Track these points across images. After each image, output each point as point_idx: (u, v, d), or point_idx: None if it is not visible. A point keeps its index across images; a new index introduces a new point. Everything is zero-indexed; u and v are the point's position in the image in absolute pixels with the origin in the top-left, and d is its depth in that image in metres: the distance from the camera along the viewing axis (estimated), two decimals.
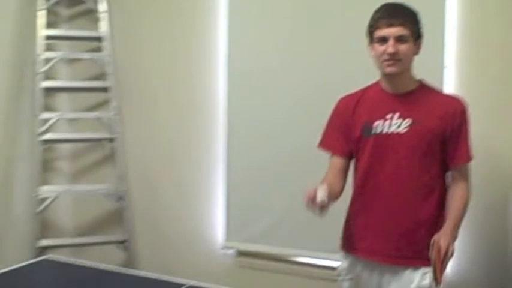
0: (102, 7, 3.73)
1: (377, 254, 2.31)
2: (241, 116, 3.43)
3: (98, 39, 3.75)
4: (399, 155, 2.26)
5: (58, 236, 3.82)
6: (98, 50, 3.77)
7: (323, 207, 2.12)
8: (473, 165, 2.36)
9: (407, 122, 2.25)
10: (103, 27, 3.73)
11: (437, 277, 2.11)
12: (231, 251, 3.54)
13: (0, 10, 3.53)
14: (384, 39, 2.20)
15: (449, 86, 2.92)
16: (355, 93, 2.40)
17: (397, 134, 2.25)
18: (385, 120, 2.27)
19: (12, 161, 3.66)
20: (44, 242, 3.55)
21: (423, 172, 2.26)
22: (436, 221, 2.27)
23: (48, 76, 3.65)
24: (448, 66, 2.93)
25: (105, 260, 3.06)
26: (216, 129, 3.53)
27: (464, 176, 2.30)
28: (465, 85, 2.91)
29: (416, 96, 2.28)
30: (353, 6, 3.10)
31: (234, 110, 3.45)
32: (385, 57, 2.21)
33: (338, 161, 2.39)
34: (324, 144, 2.44)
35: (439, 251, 2.12)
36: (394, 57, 2.19)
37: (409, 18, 2.22)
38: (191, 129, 3.63)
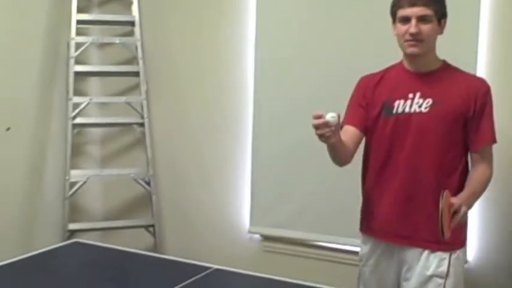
0: None
1: (395, 235, 2.30)
2: (268, 104, 3.44)
3: (129, 23, 3.78)
4: (420, 135, 2.23)
5: (87, 219, 3.88)
6: (129, 34, 3.81)
7: (332, 130, 2.04)
8: (498, 155, 2.32)
9: (428, 101, 2.22)
10: (134, 11, 3.75)
11: (443, 230, 2.05)
12: (256, 236, 3.56)
13: None
14: (406, 19, 2.17)
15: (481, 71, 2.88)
16: (378, 72, 2.39)
17: (419, 113, 2.23)
18: (407, 99, 2.25)
19: (44, 144, 3.71)
20: (73, 226, 3.60)
21: (444, 153, 2.23)
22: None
23: (79, 60, 3.69)
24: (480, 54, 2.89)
25: (133, 244, 3.10)
26: (243, 116, 3.54)
27: (486, 158, 2.27)
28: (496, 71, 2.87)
29: (438, 76, 2.25)
30: None
31: (261, 96, 3.46)
32: (407, 37, 2.18)
33: (352, 130, 2.35)
34: (346, 121, 2.38)
35: (449, 205, 2.08)
36: (416, 38, 2.16)
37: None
38: (218, 115, 3.65)
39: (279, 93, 3.40)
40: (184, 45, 3.73)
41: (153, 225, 3.73)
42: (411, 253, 2.28)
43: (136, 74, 3.75)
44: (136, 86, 3.79)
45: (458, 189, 2.23)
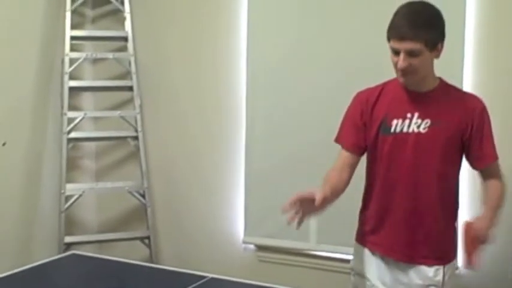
0: (126, 8, 3.81)
1: (392, 250, 2.30)
2: (261, 114, 3.50)
3: (122, 39, 3.84)
4: (418, 155, 2.22)
5: (83, 232, 3.90)
6: (122, 50, 3.86)
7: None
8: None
9: (426, 122, 2.20)
10: (126, 27, 3.82)
11: (469, 259, 2.10)
12: (250, 246, 3.61)
13: (29, 11, 3.62)
14: (396, 51, 2.12)
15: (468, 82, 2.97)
16: (375, 88, 2.34)
17: (418, 133, 2.21)
18: (405, 119, 2.22)
19: (39, 158, 3.74)
20: (70, 239, 3.63)
21: (442, 173, 2.23)
22: (453, 221, 2.31)
23: (73, 76, 3.74)
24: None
25: (129, 256, 3.11)
26: (236, 128, 3.60)
27: (495, 174, 2.28)
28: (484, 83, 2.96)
29: (435, 96, 2.23)
30: (374, 2, 3.16)
31: (254, 108, 3.52)
32: (398, 68, 2.15)
33: (348, 156, 2.33)
34: (340, 138, 2.38)
35: (473, 236, 2.11)
36: (405, 71, 2.13)
37: (424, 29, 2.08)
38: (212, 128, 3.70)
39: (272, 105, 3.46)
40: (177, 60, 3.79)
41: (148, 237, 3.76)
42: (407, 267, 2.30)
43: (130, 88, 3.80)
44: (130, 100, 3.85)
45: (455, 206, 2.30)
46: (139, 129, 3.78)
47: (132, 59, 3.80)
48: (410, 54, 2.08)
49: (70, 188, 3.67)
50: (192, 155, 3.77)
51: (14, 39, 3.51)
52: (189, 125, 3.77)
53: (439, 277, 2.25)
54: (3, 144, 3.46)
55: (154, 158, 3.87)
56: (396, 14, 2.14)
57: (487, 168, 2.28)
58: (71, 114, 3.69)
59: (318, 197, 2.07)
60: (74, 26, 3.76)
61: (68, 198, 3.65)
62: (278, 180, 3.41)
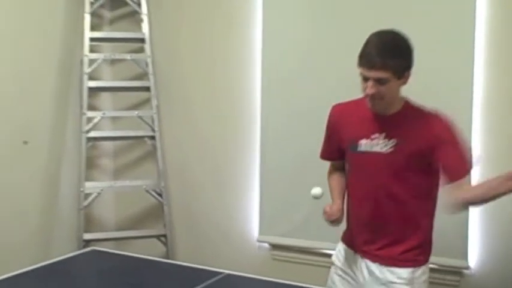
0: (143, 10, 3.89)
1: (365, 252, 2.38)
2: (275, 114, 3.54)
3: (139, 40, 3.91)
4: (378, 174, 2.30)
5: (101, 230, 3.98)
6: (139, 51, 3.94)
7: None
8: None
9: (392, 142, 2.27)
10: (144, 29, 3.90)
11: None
12: (265, 245, 3.66)
13: (50, 14, 3.70)
14: (365, 78, 2.19)
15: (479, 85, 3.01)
16: (349, 103, 2.45)
17: (379, 153, 2.28)
18: (371, 139, 2.30)
19: (59, 157, 3.82)
20: (88, 236, 3.70)
21: (396, 192, 2.29)
22: (419, 230, 2.35)
23: (92, 77, 3.82)
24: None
25: (145, 253, 3.18)
26: (251, 127, 3.65)
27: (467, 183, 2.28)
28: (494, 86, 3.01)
29: (401, 117, 2.28)
30: (387, 6, 3.21)
31: (268, 107, 3.57)
32: (366, 94, 2.22)
33: (331, 163, 2.58)
34: (323, 156, 2.59)
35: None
36: (373, 96, 2.20)
37: (392, 59, 2.15)
38: (227, 127, 3.76)
39: (286, 103, 3.50)
40: (193, 61, 3.86)
41: (165, 235, 3.83)
42: (378, 267, 2.36)
43: (147, 88, 3.88)
44: (147, 101, 3.93)
45: (419, 223, 2.34)
46: (156, 128, 3.85)
47: (149, 60, 3.87)
48: (379, 81, 2.16)
49: (89, 186, 3.76)
50: (208, 154, 3.84)
51: (35, 41, 3.60)
52: (205, 125, 3.84)
53: (408, 275, 2.31)
54: (25, 143, 3.54)
55: (171, 157, 3.93)
56: (367, 43, 2.21)
57: (460, 180, 2.25)
58: (90, 114, 3.78)
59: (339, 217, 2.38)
60: (92, 28, 3.84)
61: (87, 196, 3.73)
62: (292, 179, 3.46)
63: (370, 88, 2.17)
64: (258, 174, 3.62)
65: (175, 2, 3.90)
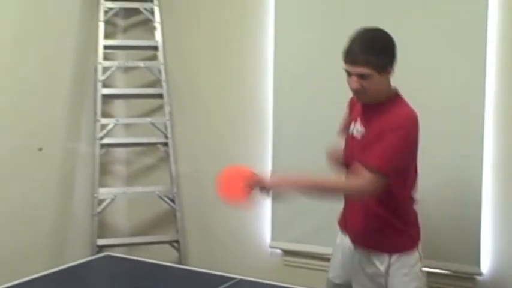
0: (156, 18, 3.93)
1: (349, 234, 2.54)
2: (288, 121, 3.57)
3: (152, 48, 3.96)
4: (354, 158, 2.41)
5: (114, 235, 4.01)
6: (152, 58, 3.98)
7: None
8: None
9: (362, 129, 2.40)
10: (157, 37, 3.94)
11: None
12: (277, 251, 3.68)
13: (64, 23, 3.76)
14: (349, 73, 2.31)
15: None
16: None
17: (356, 138, 2.43)
18: (355, 123, 2.46)
19: (73, 163, 3.87)
20: (102, 241, 3.74)
21: None
22: (387, 221, 2.42)
23: (106, 84, 3.86)
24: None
25: (158, 259, 3.18)
26: (263, 134, 3.68)
27: (363, 175, 2.29)
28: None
29: (379, 109, 2.36)
30: (399, 6, 3.23)
31: (280, 114, 3.60)
32: (350, 88, 2.35)
33: None
34: (339, 132, 2.67)
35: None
36: (357, 91, 2.32)
37: (374, 55, 2.26)
38: (239, 133, 3.79)
39: (298, 110, 3.52)
40: (205, 68, 3.89)
41: (177, 241, 3.86)
42: (360, 254, 2.48)
43: (160, 96, 3.92)
44: (160, 108, 3.97)
45: (387, 209, 2.40)
46: (169, 135, 3.89)
47: (162, 67, 3.91)
48: (361, 77, 2.28)
49: (102, 192, 3.79)
50: (220, 161, 3.84)
51: (50, 49, 3.65)
52: (217, 132, 3.87)
53: (383, 267, 2.40)
54: (40, 150, 3.59)
55: (183, 164, 3.96)
56: (351, 40, 2.32)
57: (363, 166, 2.30)
58: (103, 120, 3.81)
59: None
60: (106, 36, 3.89)
61: (100, 202, 3.77)
62: None
63: (354, 83, 2.30)
64: None
65: (187, 10, 3.94)
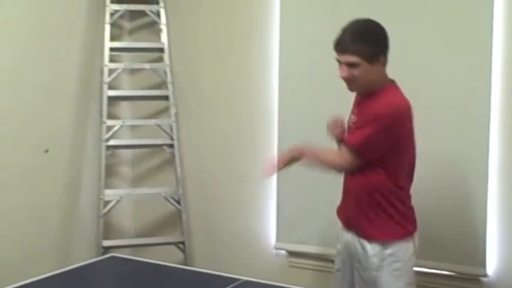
0: (162, 20, 3.95)
1: (343, 221, 2.66)
2: (293, 122, 3.57)
3: (158, 50, 3.97)
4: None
5: (120, 236, 4.03)
6: (158, 60, 4.00)
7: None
8: None
9: (353, 118, 2.53)
10: (163, 39, 3.95)
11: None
12: (282, 252, 3.68)
13: (71, 25, 3.78)
14: (339, 61, 2.41)
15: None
16: None
17: (350, 127, 2.56)
18: (351, 114, 2.57)
19: (79, 165, 3.89)
20: (108, 243, 3.75)
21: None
22: (372, 207, 2.48)
23: (112, 86, 3.88)
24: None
25: (163, 260, 3.19)
26: (269, 136, 3.68)
27: (342, 152, 2.48)
28: None
29: (370, 99, 2.45)
30: (405, 6, 3.23)
31: (286, 116, 3.61)
32: (340, 76, 2.43)
33: None
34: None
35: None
36: (347, 79, 2.41)
37: (363, 44, 2.35)
38: (245, 135, 3.80)
39: (304, 111, 3.52)
40: (211, 70, 3.91)
41: (183, 242, 3.87)
42: (354, 241, 2.55)
43: (165, 97, 3.94)
44: (166, 109, 3.98)
45: (372, 196, 2.47)
46: (174, 137, 3.90)
47: (168, 69, 3.93)
48: (350, 65, 2.37)
49: (108, 193, 3.81)
50: (226, 162, 3.88)
51: (56, 51, 3.67)
52: (223, 133, 3.88)
53: (376, 259, 2.45)
54: (46, 151, 3.61)
55: (189, 165, 3.98)
56: (342, 29, 2.41)
57: (345, 145, 2.48)
58: (109, 122, 3.83)
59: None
60: (112, 38, 3.91)
61: (106, 203, 3.78)
62: (310, 187, 3.47)
63: (343, 72, 2.39)
64: (275, 181, 3.64)
65: (193, 12, 3.96)
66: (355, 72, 2.37)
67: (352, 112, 2.58)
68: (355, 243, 2.55)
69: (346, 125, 2.62)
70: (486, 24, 3.03)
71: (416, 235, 2.54)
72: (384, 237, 2.46)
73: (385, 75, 2.46)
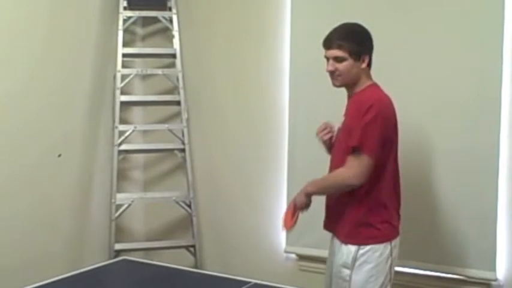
0: (174, 26, 3.99)
1: (326, 223, 2.75)
2: (303, 127, 3.57)
3: (170, 56, 4.02)
4: (335, 148, 2.66)
5: (131, 240, 4.07)
6: (170, 66, 4.04)
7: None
8: None
9: (343, 119, 2.60)
10: (175, 45, 3.99)
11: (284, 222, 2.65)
12: (292, 256, 3.70)
13: (85, 31, 3.83)
14: (327, 58, 2.56)
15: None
16: None
17: (339, 129, 2.63)
18: (343, 116, 2.63)
19: (91, 169, 3.93)
20: (119, 246, 3.78)
21: (339, 164, 2.54)
22: (353, 211, 2.54)
23: (124, 91, 3.92)
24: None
25: (174, 263, 3.21)
26: (280, 141, 3.71)
27: (348, 162, 2.48)
28: None
29: (353, 99, 2.58)
30: (415, 8, 3.24)
31: (296, 121, 3.62)
32: (327, 71, 2.56)
33: None
34: None
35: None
36: (333, 74, 2.56)
37: (348, 41, 2.51)
38: (255, 140, 3.83)
39: (314, 116, 3.46)
40: (222, 75, 3.94)
41: (193, 246, 3.90)
42: (335, 243, 2.65)
43: (177, 103, 3.97)
44: (178, 114, 4.02)
45: (355, 200, 2.53)
46: (186, 141, 3.93)
47: (180, 75, 3.97)
48: (336, 60, 2.52)
49: (120, 197, 3.85)
50: (236, 167, 3.90)
51: (69, 57, 3.72)
52: (234, 138, 3.91)
53: (349, 259, 2.51)
54: (59, 156, 3.66)
55: (200, 170, 4.01)
56: (331, 30, 2.57)
57: (349, 153, 2.49)
58: (122, 127, 3.87)
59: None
60: (125, 44, 3.96)
61: (118, 207, 3.82)
62: None
63: (329, 66, 2.55)
64: (286, 186, 3.67)
65: (205, 19, 4.00)
66: (340, 66, 2.51)
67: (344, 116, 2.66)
68: (334, 243, 2.65)
69: (336, 131, 2.68)
70: (497, 21, 3.02)
71: (396, 241, 2.57)
72: (358, 241, 2.53)
73: (369, 76, 2.58)
